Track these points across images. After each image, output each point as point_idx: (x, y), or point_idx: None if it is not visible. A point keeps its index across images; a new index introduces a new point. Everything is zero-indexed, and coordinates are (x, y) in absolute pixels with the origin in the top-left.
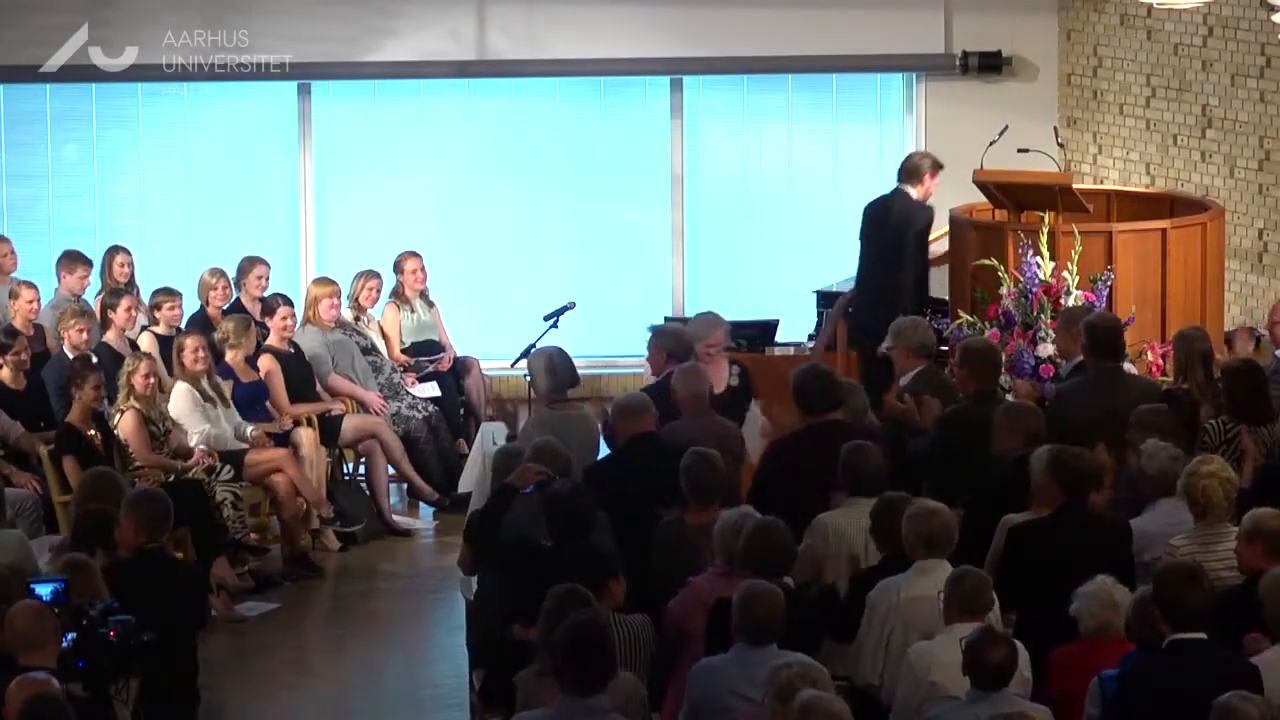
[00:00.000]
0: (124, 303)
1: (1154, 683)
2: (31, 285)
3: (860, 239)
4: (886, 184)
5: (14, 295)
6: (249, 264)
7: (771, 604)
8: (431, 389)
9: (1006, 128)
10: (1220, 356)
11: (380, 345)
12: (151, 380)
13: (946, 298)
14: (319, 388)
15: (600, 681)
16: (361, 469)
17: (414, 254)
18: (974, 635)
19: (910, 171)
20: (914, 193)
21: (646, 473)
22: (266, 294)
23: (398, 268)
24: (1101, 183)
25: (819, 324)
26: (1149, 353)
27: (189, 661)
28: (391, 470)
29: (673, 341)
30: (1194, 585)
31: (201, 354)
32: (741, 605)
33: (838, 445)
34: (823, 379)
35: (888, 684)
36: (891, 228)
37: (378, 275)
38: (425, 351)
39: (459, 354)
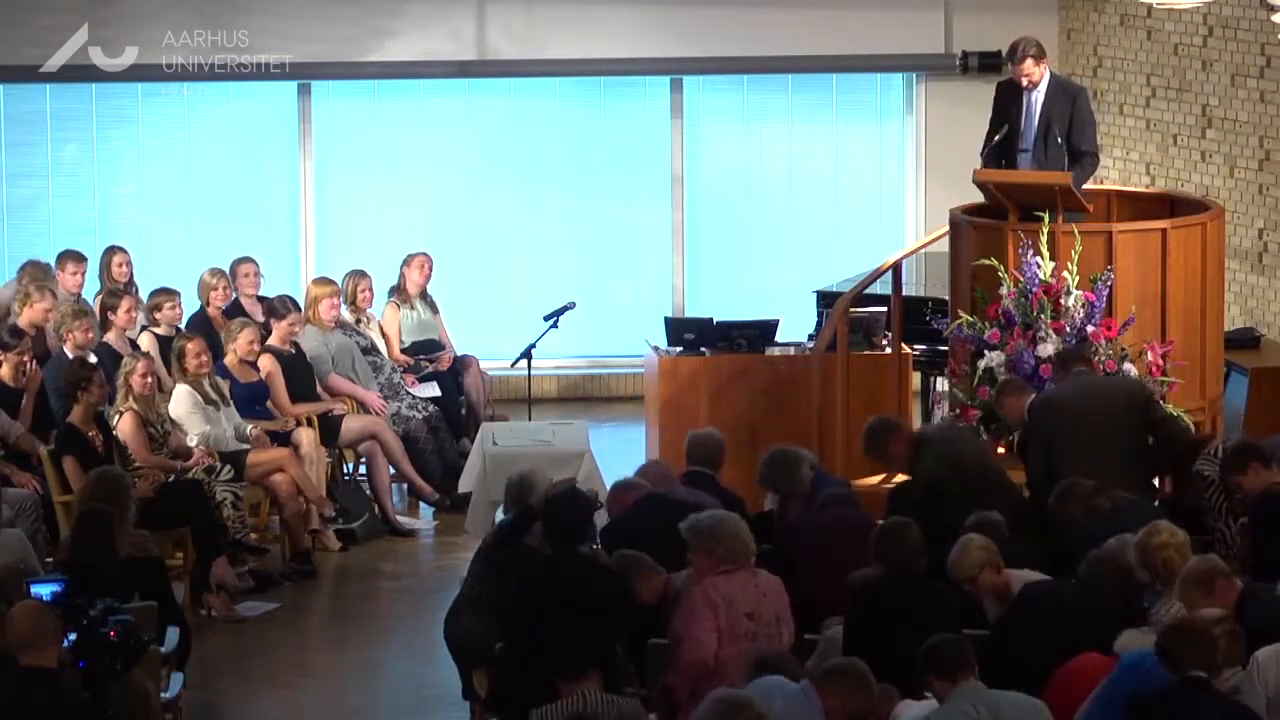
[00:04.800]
0: (124, 304)
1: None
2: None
3: None
4: (887, 184)
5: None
6: (236, 265)
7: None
8: (431, 389)
9: (1007, 127)
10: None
11: (380, 345)
12: (150, 380)
13: (946, 298)
14: (319, 388)
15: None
16: (362, 469)
17: (425, 255)
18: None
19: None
20: None
21: (659, 531)
22: (265, 293)
23: (407, 264)
24: (1101, 183)
25: (819, 324)
26: (1149, 353)
27: None
28: (392, 470)
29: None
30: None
31: (204, 357)
32: None
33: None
34: None
35: None
36: None
37: (367, 274)
38: (425, 351)
39: (459, 353)
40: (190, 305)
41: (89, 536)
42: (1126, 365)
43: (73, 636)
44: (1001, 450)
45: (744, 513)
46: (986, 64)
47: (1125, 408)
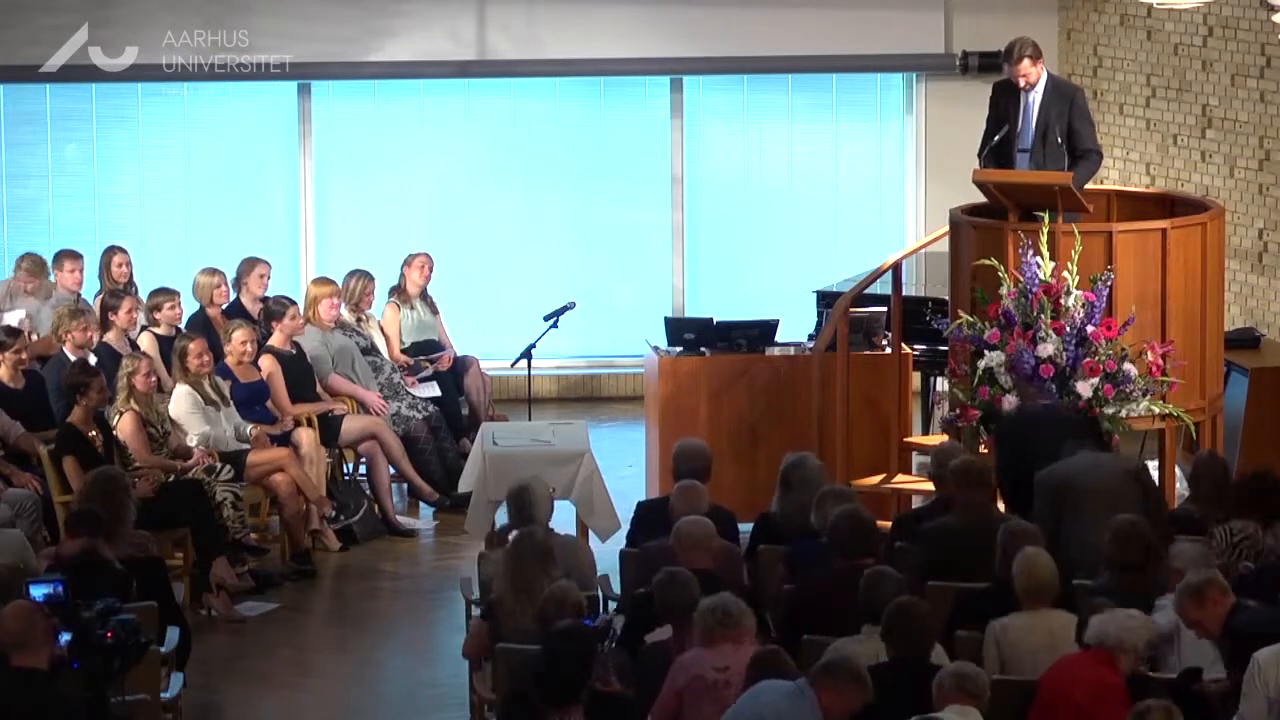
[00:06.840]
0: (125, 304)
1: None
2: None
3: None
4: (887, 184)
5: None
6: (249, 264)
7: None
8: (431, 389)
9: (1007, 127)
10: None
11: (380, 345)
12: (152, 380)
13: (946, 298)
14: (319, 388)
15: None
16: (362, 469)
17: (425, 256)
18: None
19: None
20: None
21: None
22: (268, 294)
23: (407, 264)
24: (1101, 183)
25: (819, 324)
26: (1149, 353)
27: None
28: (392, 470)
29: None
30: None
31: (205, 357)
32: None
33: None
34: (861, 523)
35: None
36: None
37: (373, 277)
38: (425, 351)
39: (459, 353)
40: (190, 305)
41: (79, 536)
42: (1126, 365)
43: (67, 637)
44: None
45: (734, 526)
46: (986, 64)
47: (1124, 482)
